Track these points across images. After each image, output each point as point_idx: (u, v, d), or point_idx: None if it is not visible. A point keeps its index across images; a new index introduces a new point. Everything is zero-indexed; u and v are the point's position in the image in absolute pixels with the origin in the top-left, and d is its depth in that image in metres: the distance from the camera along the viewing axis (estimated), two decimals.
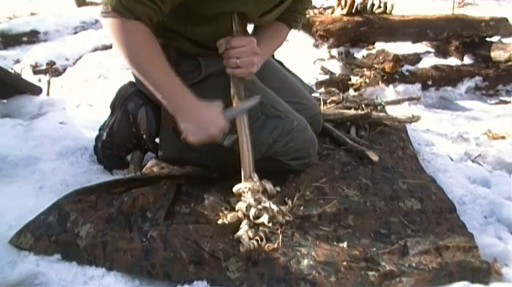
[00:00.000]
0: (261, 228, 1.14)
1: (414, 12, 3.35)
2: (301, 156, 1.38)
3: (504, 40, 3.41)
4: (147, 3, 1.08)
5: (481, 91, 3.13)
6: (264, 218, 1.14)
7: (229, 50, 1.21)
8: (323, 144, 1.61)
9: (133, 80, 1.48)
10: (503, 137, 2.19)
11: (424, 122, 2.15)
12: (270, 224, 1.14)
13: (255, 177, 1.21)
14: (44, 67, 3.00)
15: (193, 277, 1.00)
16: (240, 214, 1.16)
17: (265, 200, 1.17)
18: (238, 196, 1.19)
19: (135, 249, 1.03)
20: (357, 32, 3.00)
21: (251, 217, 1.14)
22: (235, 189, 1.19)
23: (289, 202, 1.27)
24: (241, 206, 1.16)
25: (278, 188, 1.27)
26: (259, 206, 1.15)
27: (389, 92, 2.75)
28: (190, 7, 1.15)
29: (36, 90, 2.05)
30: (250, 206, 1.15)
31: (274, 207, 1.18)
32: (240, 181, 1.22)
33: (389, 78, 2.84)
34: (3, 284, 0.94)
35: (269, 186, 1.23)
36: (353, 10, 3.03)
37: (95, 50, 3.43)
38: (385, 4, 3.18)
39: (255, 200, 1.16)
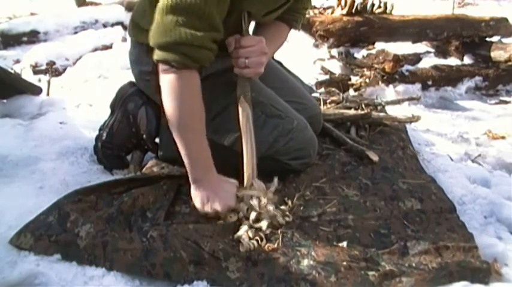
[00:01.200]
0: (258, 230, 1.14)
1: (414, 12, 3.35)
2: (301, 156, 1.38)
3: (504, 40, 3.40)
4: (209, 45, 1.09)
5: (481, 91, 3.13)
6: (263, 224, 1.14)
7: (239, 49, 1.20)
8: (323, 144, 1.61)
9: (133, 80, 1.49)
10: (503, 137, 2.19)
11: (424, 122, 2.15)
12: (268, 231, 1.14)
13: (256, 181, 1.21)
14: (44, 67, 3.00)
15: (193, 277, 1.01)
16: (240, 215, 1.16)
17: (266, 203, 1.17)
18: (240, 197, 1.19)
19: (135, 249, 1.03)
20: (357, 32, 3.00)
21: (251, 221, 1.14)
22: (240, 193, 1.19)
23: (289, 202, 1.26)
24: (242, 208, 1.16)
25: (276, 184, 1.27)
26: (260, 210, 1.15)
27: (389, 92, 2.75)
28: None
29: (36, 90, 2.05)
30: (251, 209, 1.15)
31: (275, 212, 1.18)
32: (242, 181, 1.22)
33: (389, 78, 2.84)
34: (3, 284, 0.94)
35: (273, 188, 1.23)
36: (353, 10, 3.03)
37: (95, 50, 3.43)
38: (385, 4, 3.18)
39: (258, 203, 1.16)
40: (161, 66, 1.11)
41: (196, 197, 1.17)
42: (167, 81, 1.10)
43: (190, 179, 1.18)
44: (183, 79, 1.10)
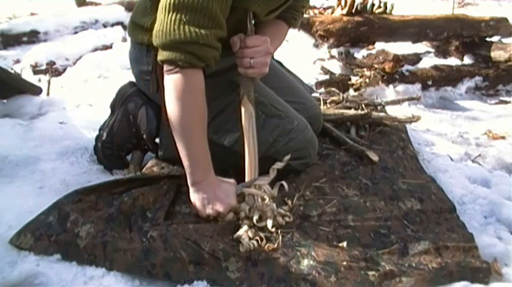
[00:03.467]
0: (261, 229, 1.14)
1: (414, 12, 3.36)
2: (301, 156, 1.38)
3: (504, 40, 3.41)
4: (214, 43, 1.08)
5: (481, 91, 3.13)
6: (268, 223, 1.14)
7: (244, 49, 1.20)
8: (323, 144, 1.61)
9: (133, 80, 1.48)
10: (503, 137, 2.19)
11: (424, 122, 2.15)
12: (273, 229, 1.14)
13: (260, 179, 1.20)
14: (44, 67, 3.00)
15: (193, 277, 1.01)
16: (242, 215, 1.16)
17: (269, 203, 1.17)
18: (241, 196, 1.19)
19: (135, 249, 1.03)
20: (357, 32, 3.00)
21: (254, 221, 1.14)
22: (246, 189, 1.19)
23: (289, 202, 1.26)
24: (244, 207, 1.16)
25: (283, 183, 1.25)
26: (263, 209, 1.15)
27: (389, 92, 2.75)
28: None
29: (36, 90, 2.05)
30: (254, 209, 1.15)
31: (279, 211, 1.18)
32: (242, 181, 1.22)
33: (389, 78, 2.84)
34: (3, 284, 0.94)
35: (275, 189, 1.23)
36: (353, 10, 3.03)
37: (95, 50, 3.43)
38: (385, 4, 3.18)
39: (261, 203, 1.16)
40: (166, 67, 1.09)
41: (197, 200, 1.16)
42: (172, 81, 1.09)
43: (189, 182, 1.16)
44: (189, 79, 1.08)
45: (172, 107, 1.11)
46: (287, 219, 1.19)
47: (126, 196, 1.19)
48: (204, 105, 1.13)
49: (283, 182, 1.23)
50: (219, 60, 1.25)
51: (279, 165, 1.23)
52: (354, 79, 2.81)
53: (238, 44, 1.21)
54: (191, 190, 1.17)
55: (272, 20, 1.35)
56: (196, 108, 1.11)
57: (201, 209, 1.15)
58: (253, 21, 1.25)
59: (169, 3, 1.04)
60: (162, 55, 1.08)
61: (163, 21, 1.05)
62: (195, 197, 1.16)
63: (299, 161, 1.39)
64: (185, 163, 1.15)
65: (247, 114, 1.22)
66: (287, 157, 1.24)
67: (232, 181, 1.20)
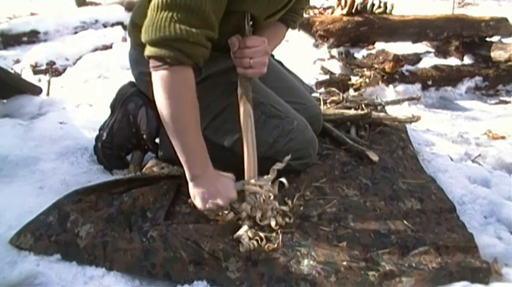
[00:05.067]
0: (264, 228, 1.14)
1: (414, 12, 3.36)
2: (301, 156, 1.38)
3: (504, 40, 3.41)
4: (203, 42, 1.08)
5: (481, 91, 3.14)
6: (272, 221, 1.14)
7: (244, 49, 1.20)
8: (323, 144, 1.61)
9: (133, 80, 1.49)
10: (503, 137, 2.19)
11: (424, 122, 2.15)
12: (277, 227, 1.14)
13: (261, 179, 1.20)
14: (44, 67, 3.00)
15: (193, 277, 1.00)
16: (243, 215, 1.16)
17: (271, 201, 1.17)
18: (241, 196, 1.19)
19: (135, 249, 1.03)
20: (357, 32, 3.00)
21: (257, 219, 1.14)
22: (248, 188, 1.19)
23: (289, 202, 1.27)
24: (245, 207, 1.16)
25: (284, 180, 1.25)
26: (265, 208, 1.15)
27: (390, 92, 2.75)
28: None
29: (36, 90, 2.05)
30: (256, 208, 1.15)
31: (281, 208, 1.18)
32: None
33: (389, 78, 2.84)
34: (3, 284, 0.94)
35: (275, 188, 1.23)
36: (353, 10, 3.04)
37: (95, 50, 3.43)
38: (385, 4, 3.18)
39: (262, 202, 1.16)
40: (153, 63, 1.08)
41: (196, 195, 1.15)
42: (160, 77, 1.08)
43: (187, 177, 1.16)
44: (177, 75, 1.08)
45: (162, 103, 1.10)
46: (287, 219, 1.19)
47: (126, 196, 1.19)
48: (195, 100, 1.11)
49: (283, 179, 1.23)
50: (218, 62, 1.26)
51: (279, 165, 1.23)
52: (354, 79, 2.81)
53: (237, 44, 1.21)
54: (190, 185, 1.16)
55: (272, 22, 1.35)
56: (186, 103, 1.10)
57: (201, 204, 1.15)
58: (251, 23, 1.25)
59: (162, 2, 1.04)
60: (150, 51, 1.07)
61: (154, 18, 1.05)
62: (194, 192, 1.15)
63: (299, 161, 1.39)
64: (182, 158, 1.14)
65: (245, 114, 1.22)
66: (287, 158, 1.25)
67: (231, 175, 1.19)
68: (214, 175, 1.17)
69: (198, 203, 1.15)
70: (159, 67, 1.07)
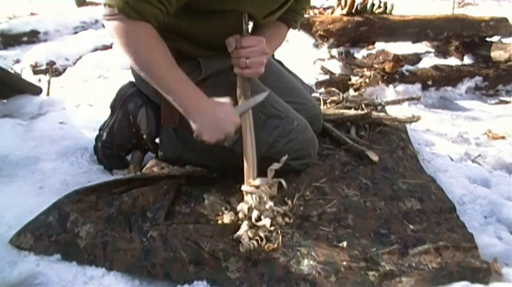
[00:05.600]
0: (261, 228, 1.14)
1: (414, 12, 3.36)
2: (301, 156, 1.38)
3: (504, 40, 3.41)
4: (155, 3, 1.07)
5: (481, 91, 3.14)
6: (266, 221, 1.14)
7: (240, 49, 1.20)
8: (323, 144, 1.61)
9: (133, 80, 1.49)
10: (503, 137, 2.19)
11: (424, 122, 2.15)
12: (272, 228, 1.14)
13: (257, 180, 1.20)
14: (44, 67, 3.00)
15: (193, 277, 1.00)
16: (240, 215, 1.16)
17: (267, 201, 1.17)
18: (240, 197, 1.19)
19: (135, 249, 1.03)
20: (357, 32, 3.00)
21: (253, 219, 1.14)
22: (244, 188, 1.19)
23: (289, 202, 1.27)
24: (242, 207, 1.16)
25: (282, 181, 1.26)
26: (262, 208, 1.15)
27: (390, 92, 2.75)
28: (197, 3, 1.14)
29: (36, 90, 2.05)
30: (252, 208, 1.15)
31: (277, 209, 1.18)
32: (242, 181, 1.21)
33: (389, 78, 2.84)
34: (3, 284, 0.94)
35: (273, 188, 1.23)
36: (353, 10, 3.04)
37: (95, 50, 3.43)
38: (385, 4, 3.18)
39: (259, 202, 1.15)
40: (104, 11, 1.08)
41: (201, 129, 1.14)
42: (112, 27, 1.07)
43: (187, 117, 1.15)
44: (127, 26, 1.06)
45: (126, 53, 1.10)
46: (287, 219, 1.19)
47: (126, 196, 1.19)
48: (156, 42, 1.10)
49: (282, 180, 1.23)
50: (218, 62, 1.26)
51: (276, 166, 1.23)
52: (354, 79, 2.82)
53: (233, 44, 1.21)
54: (192, 124, 1.16)
55: (272, 22, 1.35)
56: (146, 45, 1.10)
57: (209, 135, 1.14)
58: (251, 23, 1.25)
59: None
60: None
61: None
62: (197, 127, 1.15)
63: (299, 161, 1.39)
64: (173, 102, 1.14)
65: (245, 114, 1.22)
66: (284, 158, 1.25)
67: (227, 99, 1.19)
68: (211, 104, 1.16)
69: (206, 135, 1.15)
70: (110, 17, 1.07)
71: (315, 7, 5.14)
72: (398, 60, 2.86)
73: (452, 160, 1.73)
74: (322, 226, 1.19)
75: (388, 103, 2.21)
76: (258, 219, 1.14)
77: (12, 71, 2.49)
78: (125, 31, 1.07)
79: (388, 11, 3.19)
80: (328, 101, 2.07)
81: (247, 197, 1.18)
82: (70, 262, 1.01)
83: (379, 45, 3.16)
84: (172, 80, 1.13)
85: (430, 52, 3.59)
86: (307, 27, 3.07)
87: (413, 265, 1.08)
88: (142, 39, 1.09)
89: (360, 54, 3.09)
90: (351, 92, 2.66)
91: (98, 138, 1.47)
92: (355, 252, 1.10)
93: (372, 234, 1.18)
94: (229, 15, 1.17)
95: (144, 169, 1.42)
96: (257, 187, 1.18)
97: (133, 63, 1.12)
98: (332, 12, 3.35)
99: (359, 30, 3.00)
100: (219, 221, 1.16)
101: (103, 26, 4.03)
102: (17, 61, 3.11)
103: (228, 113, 1.16)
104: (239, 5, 1.18)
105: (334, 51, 3.08)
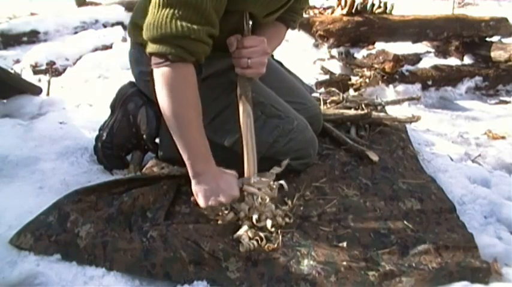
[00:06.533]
0: (261, 229, 1.14)
1: (414, 12, 3.36)
2: (301, 156, 1.38)
3: (504, 40, 3.41)
4: (206, 39, 1.08)
5: (481, 91, 3.14)
6: (268, 222, 1.14)
7: (241, 49, 1.20)
8: (323, 144, 1.61)
9: (133, 80, 1.49)
10: (503, 137, 2.19)
11: (424, 122, 2.15)
12: (273, 229, 1.14)
13: (260, 181, 1.20)
14: (44, 67, 3.00)
15: (193, 277, 1.01)
16: (241, 215, 1.16)
17: (268, 203, 1.17)
18: (241, 196, 1.19)
19: (135, 249, 1.03)
20: (357, 32, 3.00)
21: (254, 220, 1.14)
22: (245, 189, 1.18)
23: (289, 202, 1.26)
24: (243, 208, 1.16)
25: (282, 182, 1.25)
26: (262, 210, 1.15)
27: (390, 92, 2.75)
28: None
29: (36, 90, 2.05)
30: (253, 209, 1.15)
31: (277, 211, 1.18)
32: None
33: (389, 78, 2.84)
34: (3, 284, 0.94)
35: (274, 189, 1.23)
36: (353, 10, 3.04)
37: (95, 50, 3.42)
38: (385, 4, 3.18)
39: (260, 203, 1.15)
40: (154, 59, 1.09)
41: (198, 192, 1.15)
42: (162, 74, 1.08)
43: (190, 174, 1.15)
44: (179, 72, 1.08)
45: (163, 100, 1.10)
46: (287, 219, 1.19)
47: (126, 196, 1.19)
48: (197, 97, 1.12)
49: (283, 182, 1.22)
50: (218, 61, 1.26)
51: (277, 170, 1.23)
52: (354, 79, 2.81)
53: (235, 44, 1.21)
54: (193, 182, 1.15)
55: (271, 21, 1.35)
56: (188, 100, 1.11)
57: (203, 201, 1.14)
58: (250, 22, 1.25)
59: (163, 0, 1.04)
60: (151, 48, 1.07)
61: (155, 15, 1.06)
62: (196, 189, 1.15)
63: (299, 161, 1.39)
64: (184, 155, 1.14)
65: (245, 114, 1.22)
66: (285, 162, 1.25)
67: (233, 172, 1.19)
68: (217, 172, 1.16)
69: (200, 200, 1.14)
70: (161, 64, 1.07)
71: (314, 7, 5.14)
72: (398, 60, 2.86)
73: (452, 160, 1.73)
74: (322, 226, 1.19)
75: (388, 103, 2.21)
76: (259, 220, 1.14)
77: (12, 71, 2.49)
78: (173, 75, 1.07)
79: (388, 11, 3.19)
80: (328, 101, 2.07)
81: (248, 198, 1.17)
82: (70, 262, 1.01)
83: (379, 45, 3.15)
84: (194, 136, 1.13)
85: (430, 52, 3.59)
86: (307, 27, 3.07)
87: (413, 265, 1.08)
88: (188, 82, 1.10)
89: (360, 54, 3.09)
90: (351, 92, 2.66)
91: (98, 138, 1.47)
92: (355, 252, 1.10)
93: (372, 234, 1.18)
94: (230, 14, 1.17)
95: (144, 169, 1.42)
96: (259, 189, 1.17)
97: (171, 105, 1.10)
98: (332, 12, 3.35)
99: (359, 30, 3.00)
100: (219, 221, 1.16)
101: (103, 26, 4.06)
102: (17, 61, 3.11)
103: (230, 185, 1.15)
104: (244, 5, 1.18)
105: (334, 51, 3.08)
